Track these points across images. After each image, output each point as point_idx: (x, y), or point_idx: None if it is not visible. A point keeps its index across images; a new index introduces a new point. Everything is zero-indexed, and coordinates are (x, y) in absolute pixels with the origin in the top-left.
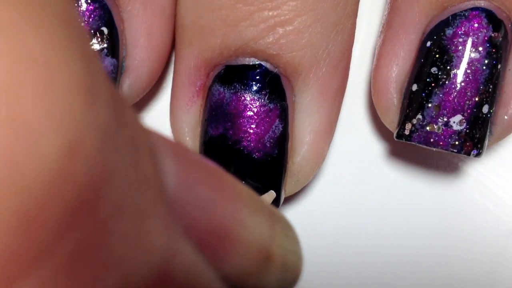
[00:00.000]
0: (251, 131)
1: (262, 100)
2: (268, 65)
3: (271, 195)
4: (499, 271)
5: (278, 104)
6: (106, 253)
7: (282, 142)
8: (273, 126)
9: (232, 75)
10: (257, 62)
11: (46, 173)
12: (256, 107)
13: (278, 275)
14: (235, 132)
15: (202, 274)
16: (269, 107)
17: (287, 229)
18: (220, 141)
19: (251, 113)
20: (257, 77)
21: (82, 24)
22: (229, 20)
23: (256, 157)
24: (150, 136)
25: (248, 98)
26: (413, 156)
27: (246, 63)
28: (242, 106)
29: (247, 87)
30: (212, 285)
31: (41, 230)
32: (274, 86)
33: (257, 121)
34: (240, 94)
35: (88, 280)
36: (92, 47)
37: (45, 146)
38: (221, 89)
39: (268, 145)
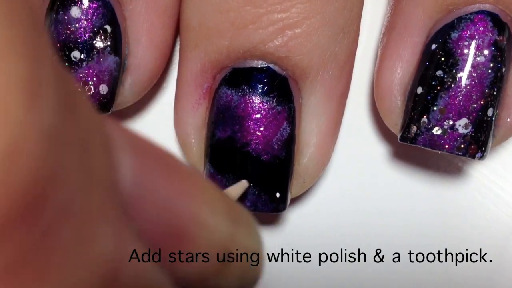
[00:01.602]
0: (260, 133)
1: (270, 103)
2: (276, 68)
3: (242, 185)
4: (499, 271)
5: (286, 107)
6: (47, 260)
7: (289, 144)
8: (281, 129)
9: (240, 77)
10: (265, 65)
11: None
12: (264, 109)
13: (239, 275)
14: (243, 134)
15: (153, 280)
16: (277, 109)
17: (250, 227)
18: (228, 144)
19: (260, 116)
20: (265, 80)
21: (36, 15)
22: (238, 22)
23: (264, 159)
24: (106, 129)
25: (256, 101)
26: (414, 157)
27: (254, 66)
28: (250, 108)
29: (255, 90)
30: None
31: None
32: (282, 88)
33: (265, 123)
34: (248, 96)
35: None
36: (45, 38)
37: None
38: (229, 92)
39: (276, 147)
